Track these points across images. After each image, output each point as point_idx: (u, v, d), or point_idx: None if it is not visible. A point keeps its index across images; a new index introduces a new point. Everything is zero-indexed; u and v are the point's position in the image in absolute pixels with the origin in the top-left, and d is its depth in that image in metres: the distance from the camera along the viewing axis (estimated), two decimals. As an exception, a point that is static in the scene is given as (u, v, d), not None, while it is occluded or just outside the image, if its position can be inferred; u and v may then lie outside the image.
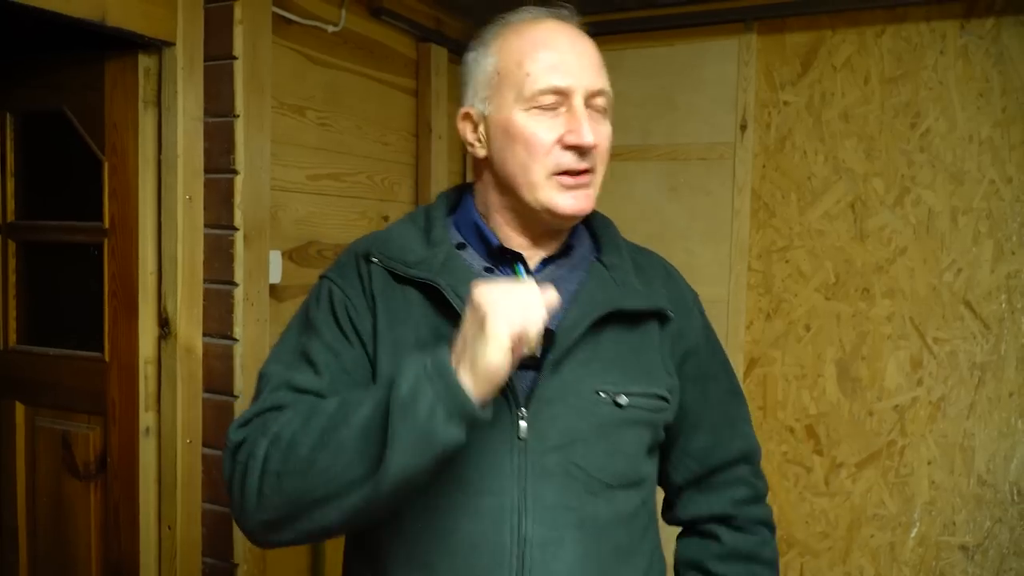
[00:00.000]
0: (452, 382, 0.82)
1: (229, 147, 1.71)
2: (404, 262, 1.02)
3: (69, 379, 1.83)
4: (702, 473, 1.13)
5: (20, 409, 1.89)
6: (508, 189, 1.02)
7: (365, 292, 1.03)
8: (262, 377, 1.03)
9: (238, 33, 1.71)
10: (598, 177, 1.03)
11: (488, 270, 1.04)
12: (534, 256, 1.06)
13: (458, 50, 2.50)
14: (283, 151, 1.88)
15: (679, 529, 1.18)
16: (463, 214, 1.09)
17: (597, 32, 2.73)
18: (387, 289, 1.02)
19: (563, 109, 0.99)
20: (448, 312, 0.97)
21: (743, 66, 2.23)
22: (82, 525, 1.83)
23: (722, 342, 2.23)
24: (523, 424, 0.96)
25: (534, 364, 0.97)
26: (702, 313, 1.17)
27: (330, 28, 2.00)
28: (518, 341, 0.82)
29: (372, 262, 1.04)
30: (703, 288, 2.22)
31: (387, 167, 2.26)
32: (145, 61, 1.70)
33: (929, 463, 2.10)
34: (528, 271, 1.05)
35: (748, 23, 2.22)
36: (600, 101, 1.02)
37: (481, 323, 0.82)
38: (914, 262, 2.10)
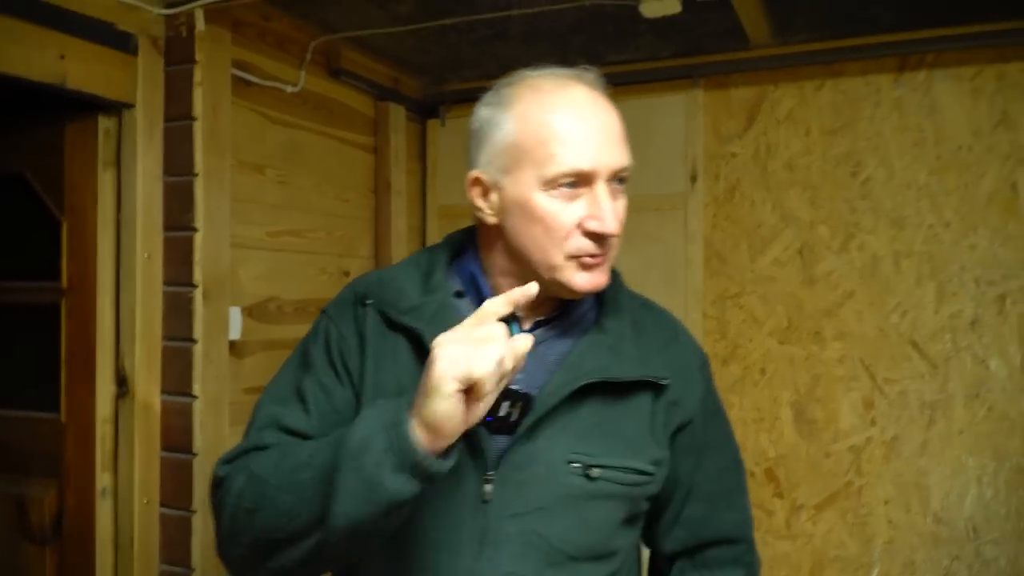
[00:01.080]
0: (403, 433, 0.81)
1: (188, 205, 1.74)
2: (397, 308, 1.01)
3: (24, 441, 1.80)
4: (693, 545, 1.09)
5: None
6: (520, 260, 0.99)
7: (359, 333, 1.03)
8: (256, 409, 1.04)
9: (198, 95, 1.75)
10: (613, 253, 0.99)
11: None
12: (529, 317, 1.03)
13: (416, 108, 2.57)
14: (243, 208, 1.91)
15: None
16: (463, 264, 1.07)
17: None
18: (379, 333, 1.02)
19: (584, 189, 0.95)
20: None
21: (691, 120, 2.32)
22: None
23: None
24: (488, 488, 0.95)
25: (509, 428, 0.95)
26: (708, 379, 1.11)
27: (289, 88, 2.05)
28: (467, 387, 0.79)
29: (367, 304, 1.03)
30: (660, 335, 2.29)
31: (347, 223, 2.29)
32: (105, 123, 1.73)
33: (886, 502, 2.14)
34: (521, 328, 1.01)
35: (695, 79, 2.31)
36: (623, 176, 0.98)
37: (428, 371, 0.81)
38: (861, 305, 2.17)
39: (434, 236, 2.62)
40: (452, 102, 2.59)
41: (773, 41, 2.18)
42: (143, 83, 1.74)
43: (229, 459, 0.99)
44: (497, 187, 0.99)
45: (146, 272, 1.73)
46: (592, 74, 1.01)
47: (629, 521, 1.03)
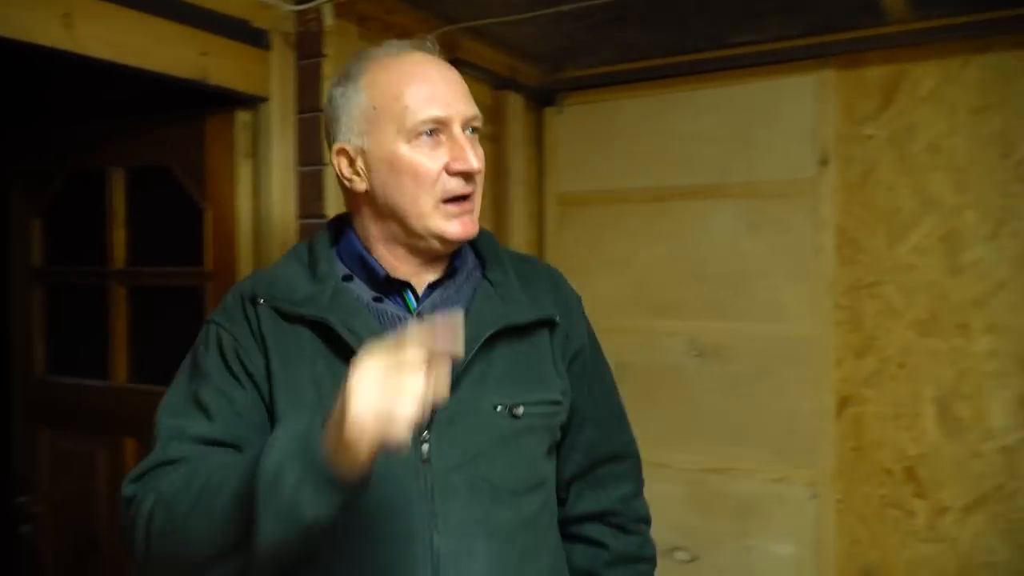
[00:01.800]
0: (317, 459, 0.80)
1: (320, 193, 1.79)
2: (291, 300, 1.03)
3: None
4: (588, 466, 1.19)
5: (130, 444, 1.99)
6: (393, 220, 1.05)
7: (254, 334, 1.03)
8: (156, 428, 1.02)
9: (327, 88, 1.80)
10: (478, 200, 1.07)
11: (377, 300, 1.07)
12: (420, 282, 1.09)
13: (533, 96, 2.57)
14: (369, 197, 1.95)
15: None
16: (346, 246, 1.11)
17: (670, 74, 2.73)
18: (276, 329, 1.03)
19: (443, 138, 1.03)
20: (340, 347, 0.99)
21: (821, 101, 2.21)
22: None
23: (809, 381, 2.19)
24: (425, 447, 0.99)
25: None
26: (584, 316, 1.23)
27: (412, 80, 2.08)
28: (384, 425, 0.77)
29: (259, 303, 1.04)
30: (786, 326, 2.21)
31: (468, 212, 2.31)
32: (242, 116, 1.81)
33: (1042, 508, 1.97)
34: (416, 297, 1.08)
35: (826, 59, 2.20)
36: (476, 125, 1.07)
37: (344, 404, 0.79)
38: (1015, 296, 2.01)
39: (553, 223, 2.61)
40: (570, 89, 2.58)
41: (911, 15, 2.04)
42: (277, 77, 1.80)
43: (135, 477, 0.98)
44: (361, 152, 1.05)
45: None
46: (429, 42, 1.10)
47: (549, 452, 1.13)
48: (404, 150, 1.02)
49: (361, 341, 0.97)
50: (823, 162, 2.21)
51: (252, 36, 1.75)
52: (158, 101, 1.90)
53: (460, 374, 1.01)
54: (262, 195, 1.80)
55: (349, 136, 1.06)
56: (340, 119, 1.08)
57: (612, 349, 2.50)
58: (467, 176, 1.03)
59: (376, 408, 0.77)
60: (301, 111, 1.84)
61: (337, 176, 1.10)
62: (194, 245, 1.85)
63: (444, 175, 1.02)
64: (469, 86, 2.45)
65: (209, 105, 1.82)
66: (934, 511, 2.09)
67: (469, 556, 1.00)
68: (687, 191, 2.39)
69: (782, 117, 2.27)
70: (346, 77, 1.09)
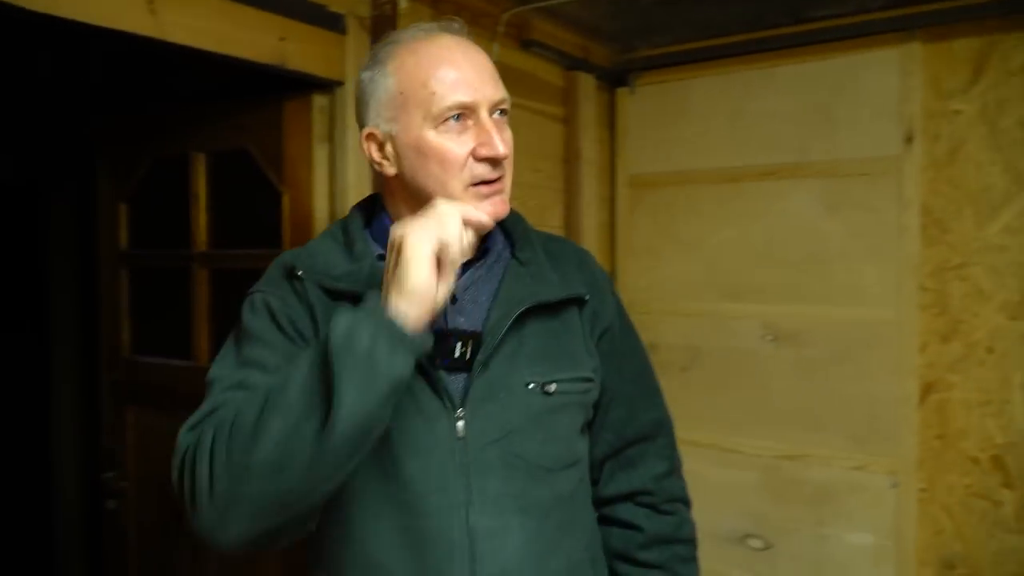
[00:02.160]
0: (384, 315, 0.86)
1: (394, 176, 1.81)
2: (331, 276, 1.06)
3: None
4: (620, 445, 1.20)
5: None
6: (424, 203, 1.01)
7: (303, 302, 1.05)
8: (209, 384, 1.01)
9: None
10: (508, 181, 1.08)
11: None
12: None
13: (605, 77, 2.54)
14: (442, 179, 1.96)
15: None
16: (379, 227, 1.12)
17: (746, 51, 2.67)
18: (323, 302, 1.05)
19: (471, 123, 1.03)
20: None
21: (906, 76, 2.13)
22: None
23: (892, 366, 2.12)
24: (460, 424, 1.01)
25: (465, 366, 1.03)
26: (615, 294, 1.24)
27: (484, 62, 2.08)
28: (442, 254, 0.88)
29: (302, 277, 1.06)
30: (867, 310, 2.15)
31: (539, 193, 2.31)
32: (319, 100, 1.83)
33: None
34: None
35: (911, 31, 2.12)
36: (504, 108, 1.07)
37: (399, 249, 0.87)
38: (1115, 277, 1.91)
39: (624, 205, 2.58)
40: (642, 69, 2.54)
41: (1003, -16, 1.95)
42: (352, 61, 1.81)
43: (193, 425, 0.96)
44: (389, 137, 1.06)
45: (357, 240, 1.82)
46: (458, 24, 1.09)
47: (583, 430, 1.15)
48: (431, 136, 1.02)
49: None
50: (908, 139, 2.13)
51: (329, 20, 1.77)
52: (238, 86, 1.93)
53: (492, 352, 1.03)
54: (337, 179, 1.82)
55: (378, 121, 1.07)
56: (369, 103, 1.08)
57: (684, 333, 2.50)
58: (494, 161, 1.03)
59: (428, 235, 0.87)
60: (376, 94, 1.85)
61: (368, 159, 1.11)
62: (273, 228, 1.89)
63: (472, 160, 1.03)
64: (542, 68, 2.46)
65: (287, 89, 1.85)
66: (1023, 502, 2.01)
67: (505, 531, 1.02)
68: (763, 171, 2.33)
69: (864, 93, 2.19)
70: (375, 61, 1.09)
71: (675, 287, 2.43)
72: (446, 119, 1.02)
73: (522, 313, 1.06)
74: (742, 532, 2.33)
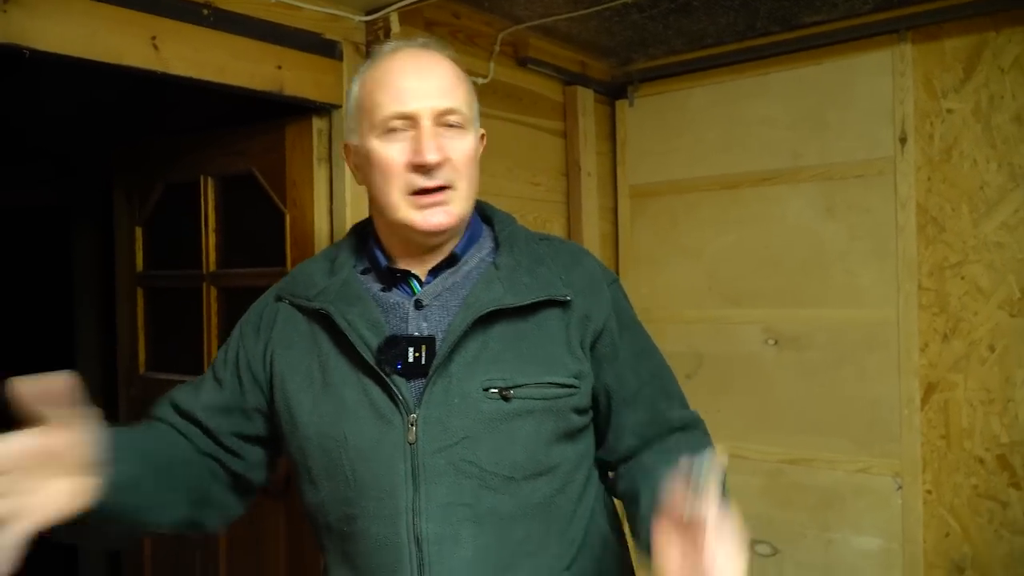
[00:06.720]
0: None
1: (389, 194, 1.87)
2: (306, 296, 1.12)
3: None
4: (643, 447, 1.14)
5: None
6: (381, 213, 1.09)
7: (260, 330, 1.16)
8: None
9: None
10: (460, 191, 1.07)
11: (384, 290, 1.11)
12: (423, 270, 1.12)
13: (604, 90, 2.58)
14: (439, 195, 2.02)
15: None
16: (369, 242, 1.17)
17: (740, 59, 2.69)
18: (289, 323, 1.13)
19: (412, 132, 1.04)
20: (340, 335, 1.06)
21: (899, 77, 2.14)
22: (271, 539, 2.01)
23: (894, 366, 2.11)
24: (413, 429, 1.01)
25: (423, 372, 1.03)
26: (618, 294, 1.18)
27: (480, 80, 2.14)
28: None
29: (281, 301, 1.15)
30: (867, 311, 2.16)
31: (539, 206, 2.35)
32: (318, 123, 1.90)
33: None
34: (421, 284, 1.11)
35: (901, 33, 2.13)
36: (453, 119, 1.06)
37: None
38: (1115, 271, 1.89)
39: (626, 216, 2.62)
40: (640, 81, 2.58)
41: (990, -19, 1.96)
42: (348, 85, 1.88)
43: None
44: (355, 148, 1.11)
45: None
46: (423, 39, 1.12)
47: (566, 436, 1.07)
48: (375, 145, 1.06)
49: (355, 329, 1.05)
50: (902, 139, 2.14)
51: (325, 48, 1.84)
52: (243, 112, 2.02)
53: (447, 358, 1.02)
54: (336, 198, 1.89)
55: (351, 134, 1.13)
56: (346, 118, 1.16)
57: (687, 340, 2.51)
58: (425, 169, 1.03)
59: None
60: (372, 116, 1.91)
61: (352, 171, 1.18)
62: (277, 247, 1.96)
63: (407, 169, 1.04)
64: (540, 84, 2.50)
65: (288, 113, 1.92)
66: (1031, 501, 1.99)
67: (455, 541, 1.00)
68: (760, 177, 2.36)
69: (857, 96, 2.21)
70: (354, 78, 1.16)
71: (677, 294, 2.46)
72: (388, 129, 1.05)
73: (490, 317, 1.04)
74: (748, 538, 2.33)
